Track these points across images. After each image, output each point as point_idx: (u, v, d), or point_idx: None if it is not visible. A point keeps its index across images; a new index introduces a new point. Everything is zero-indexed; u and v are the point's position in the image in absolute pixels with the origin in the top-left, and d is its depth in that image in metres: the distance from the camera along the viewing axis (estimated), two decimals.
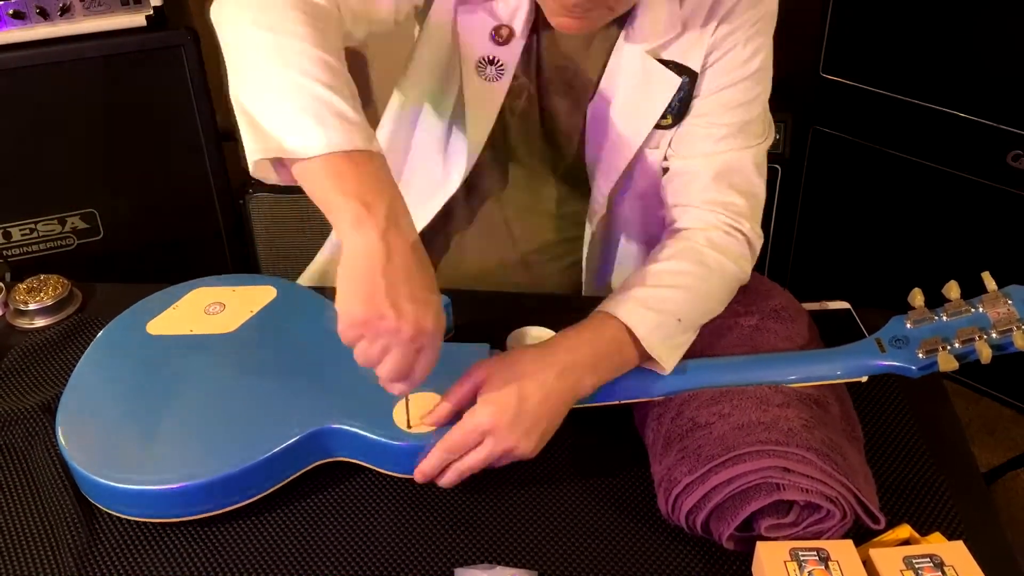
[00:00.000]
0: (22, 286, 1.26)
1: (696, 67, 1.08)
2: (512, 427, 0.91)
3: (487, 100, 1.14)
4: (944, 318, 0.95)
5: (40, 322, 1.23)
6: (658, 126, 1.12)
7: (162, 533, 0.94)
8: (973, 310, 0.94)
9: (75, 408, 1.01)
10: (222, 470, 0.91)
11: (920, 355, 0.94)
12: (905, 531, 0.88)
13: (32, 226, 1.99)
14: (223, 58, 0.92)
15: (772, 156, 2.12)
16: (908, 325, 0.96)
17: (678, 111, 1.11)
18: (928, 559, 0.81)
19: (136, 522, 0.95)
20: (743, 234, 1.08)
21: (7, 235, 1.98)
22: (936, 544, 0.85)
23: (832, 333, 1.07)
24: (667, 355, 0.98)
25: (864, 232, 2.22)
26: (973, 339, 0.92)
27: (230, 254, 2.17)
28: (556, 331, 1.15)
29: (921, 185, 2.07)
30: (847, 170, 2.18)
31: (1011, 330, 0.91)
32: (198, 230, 2.11)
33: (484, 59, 1.11)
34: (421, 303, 0.82)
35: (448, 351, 1.03)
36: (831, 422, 0.93)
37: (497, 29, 1.10)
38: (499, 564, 0.89)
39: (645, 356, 0.98)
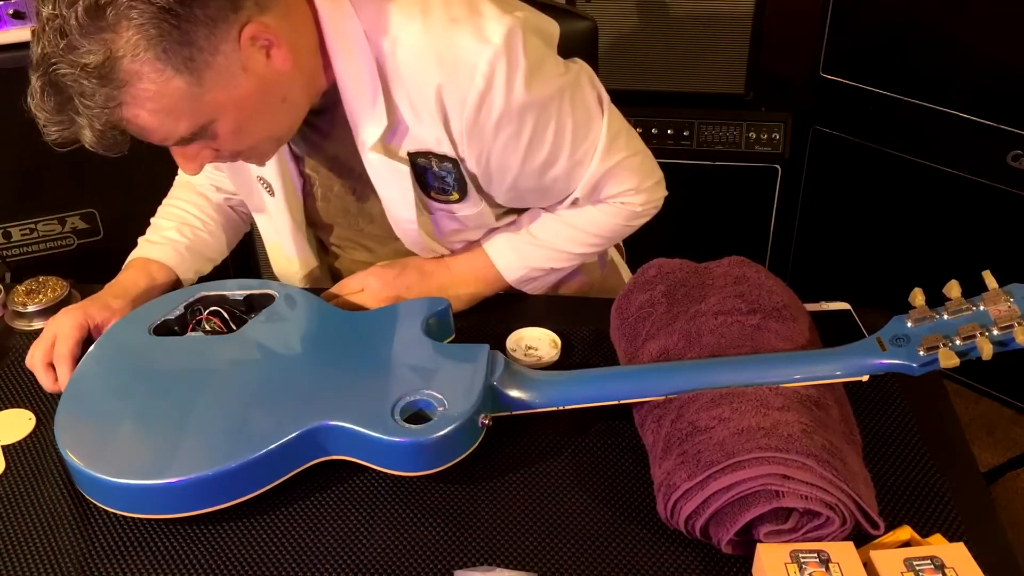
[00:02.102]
0: (21, 288, 1.25)
1: (449, 153, 1.10)
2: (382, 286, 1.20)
3: (274, 212, 1.25)
4: (945, 316, 0.95)
5: (39, 324, 1.23)
6: (447, 200, 1.16)
7: (161, 534, 0.94)
8: (974, 308, 0.94)
9: (74, 406, 1.01)
10: (220, 465, 0.91)
11: (921, 353, 0.93)
12: (906, 533, 0.87)
13: (32, 226, 1.99)
14: None
15: (772, 156, 2.14)
16: (909, 324, 0.96)
17: (459, 188, 1.14)
18: (929, 561, 0.81)
19: (135, 523, 0.95)
20: (635, 206, 1.24)
21: (7, 235, 1.98)
22: (937, 546, 0.85)
23: (832, 333, 1.07)
24: (527, 290, 1.28)
25: (864, 232, 2.22)
26: (974, 336, 0.92)
27: (230, 254, 2.16)
28: (556, 332, 1.16)
29: (921, 185, 2.07)
30: (847, 170, 2.18)
31: (1012, 326, 0.91)
32: None
33: (259, 178, 1.22)
34: None
35: (448, 352, 1.04)
36: (831, 425, 0.92)
37: None
38: (499, 566, 0.89)
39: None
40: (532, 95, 1.05)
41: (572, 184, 1.18)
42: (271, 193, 1.23)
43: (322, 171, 1.22)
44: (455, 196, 1.15)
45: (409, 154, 1.11)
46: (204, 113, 0.95)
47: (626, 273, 1.49)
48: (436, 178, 1.14)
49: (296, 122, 1.07)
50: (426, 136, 1.09)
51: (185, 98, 0.93)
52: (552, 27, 1.14)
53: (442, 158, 1.11)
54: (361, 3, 1.04)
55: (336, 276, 1.36)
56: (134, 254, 1.29)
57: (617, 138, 1.18)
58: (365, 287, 1.22)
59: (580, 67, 1.15)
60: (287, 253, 1.30)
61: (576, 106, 1.12)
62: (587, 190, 1.19)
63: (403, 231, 1.20)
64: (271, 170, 1.19)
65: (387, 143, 1.10)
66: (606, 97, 1.17)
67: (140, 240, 1.31)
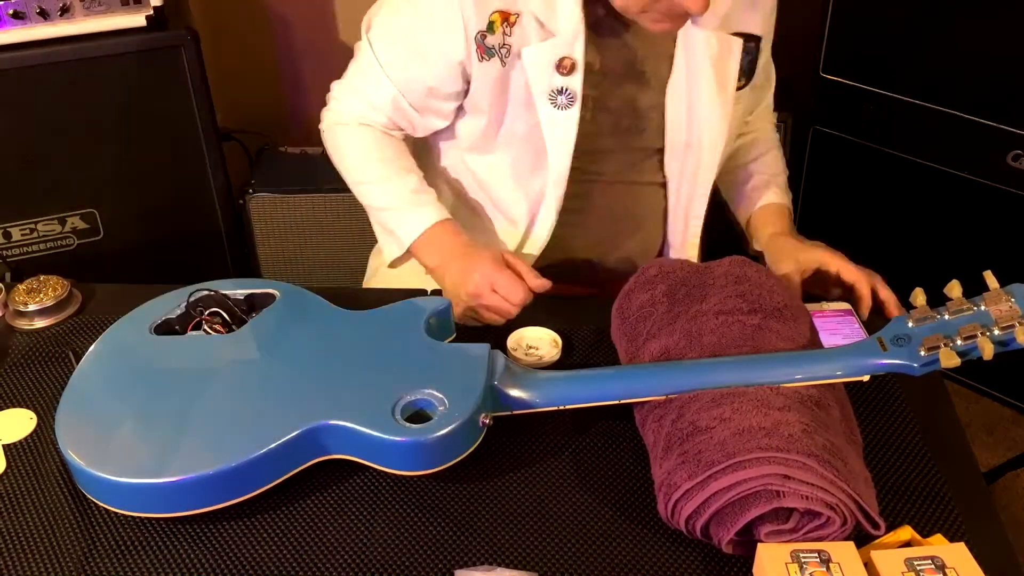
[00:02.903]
0: (21, 287, 1.25)
1: (759, 32, 1.24)
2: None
3: (564, 127, 1.25)
4: (946, 316, 0.95)
5: (40, 323, 1.23)
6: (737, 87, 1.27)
7: (162, 533, 0.94)
8: (975, 308, 0.94)
9: (75, 405, 1.01)
10: (221, 464, 0.91)
11: (922, 353, 0.94)
12: (906, 533, 0.87)
13: (32, 226, 1.99)
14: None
15: None
16: (910, 324, 0.96)
17: (748, 71, 1.26)
18: (930, 561, 0.81)
19: (136, 522, 0.95)
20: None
21: (7, 235, 1.98)
22: (938, 546, 0.85)
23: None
24: None
25: (864, 232, 2.22)
26: (975, 336, 0.92)
27: (230, 254, 2.16)
28: (557, 331, 1.16)
29: (921, 185, 2.07)
30: (847, 170, 2.18)
31: (1013, 326, 0.91)
32: (198, 230, 2.10)
33: (554, 90, 1.22)
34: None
35: (448, 351, 1.04)
36: (832, 425, 0.93)
37: (560, 61, 1.21)
38: (499, 566, 0.89)
39: None
40: None
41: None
42: (568, 104, 1.23)
43: (604, 85, 1.26)
44: (742, 82, 1.26)
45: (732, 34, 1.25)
46: None
47: None
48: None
49: None
50: (751, 8, 1.25)
51: None
52: None
53: (748, 37, 1.24)
54: None
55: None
56: (419, 225, 1.27)
57: None
58: (506, 290, 1.17)
59: None
60: (551, 159, 1.27)
61: None
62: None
63: (704, 117, 1.28)
64: (577, 79, 1.22)
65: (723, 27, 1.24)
66: None
67: (407, 205, 1.29)
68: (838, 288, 1.23)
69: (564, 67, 1.21)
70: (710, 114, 1.27)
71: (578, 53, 1.20)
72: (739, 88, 1.29)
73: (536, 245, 1.35)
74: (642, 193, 1.37)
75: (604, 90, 1.26)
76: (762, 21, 1.28)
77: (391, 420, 0.94)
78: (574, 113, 1.23)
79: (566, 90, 1.22)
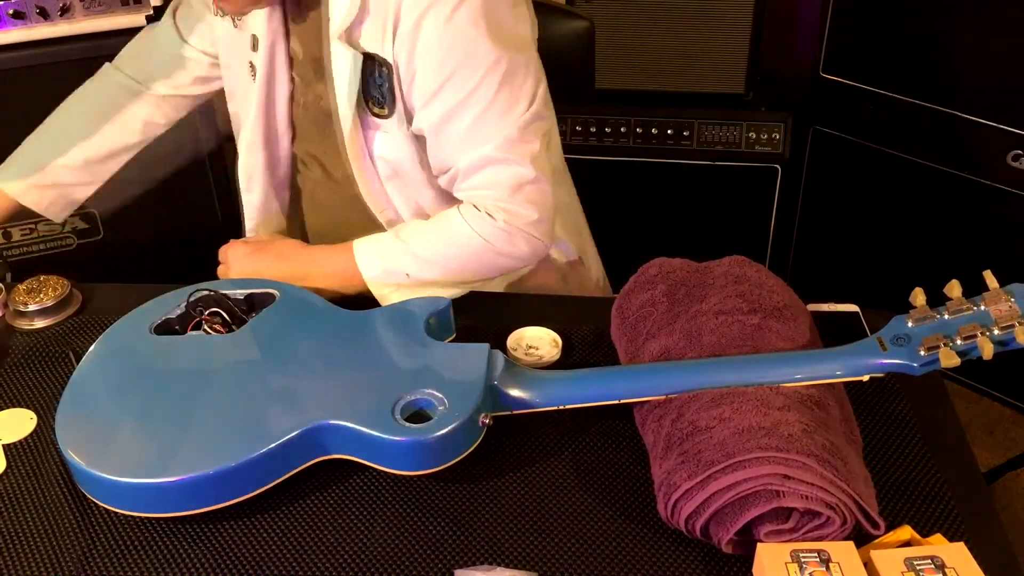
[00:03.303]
0: (22, 287, 1.25)
1: (388, 58, 1.14)
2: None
3: (248, 97, 1.31)
4: (946, 316, 0.95)
5: (40, 323, 1.23)
6: (376, 114, 1.20)
7: (162, 533, 0.94)
8: (975, 308, 0.94)
9: (75, 405, 1.01)
10: (220, 464, 0.91)
11: (922, 352, 0.94)
12: (906, 532, 0.87)
13: (32, 226, 1.99)
14: None
15: (772, 156, 2.14)
16: (909, 324, 0.96)
17: (388, 100, 1.18)
18: (929, 560, 0.81)
19: (136, 522, 0.95)
20: (494, 215, 1.17)
21: (7, 235, 1.97)
22: (937, 546, 0.85)
23: (836, 334, 1.07)
24: (385, 298, 1.19)
25: (864, 233, 2.22)
26: (975, 336, 0.92)
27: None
28: (557, 331, 1.16)
29: (921, 185, 2.07)
30: (847, 170, 2.18)
31: (1013, 326, 0.91)
32: (198, 229, 2.10)
33: (250, 63, 1.28)
34: None
35: (448, 351, 1.04)
36: (832, 424, 0.93)
37: (253, 38, 1.26)
38: (499, 565, 0.89)
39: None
40: (472, 32, 1.09)
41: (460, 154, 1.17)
42: (252, 78, 1.28)
43: (307, 74, 1.26)
44: (384, 110, 1.18)
45: (364, 53, 1.16)
46: None
47: (595, 270, 1.48)
48: (375, 86, 1.17)
49: None
50: (378, 31, 1.13)
51: None
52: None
53: (382, 63, 1.14)
54: None
55: (296, 194, 1.41)
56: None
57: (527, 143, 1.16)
58: (226, 259, 1.26)
59: (538, 65, 1.20)
60: (248, 144, 1.34)
61: (507, 81, 1.13)
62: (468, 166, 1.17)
63: (347, 141, 1.22)
64: (259, 55, 1.25)
65: (352, 33, 1.15)
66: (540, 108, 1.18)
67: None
68: None
69: (254, 43, 1.26)
70: (339, 125, 1.23)
71: (260, 30, 1.24)
72: (382, 116, 1.20)
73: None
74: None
75: (307, 79, 1.27)
76: (390, 46, 1.14)
77: (391, 420, 0.94)
78: (257, 84, 1.28)
79: (252, 64, 1.28)
